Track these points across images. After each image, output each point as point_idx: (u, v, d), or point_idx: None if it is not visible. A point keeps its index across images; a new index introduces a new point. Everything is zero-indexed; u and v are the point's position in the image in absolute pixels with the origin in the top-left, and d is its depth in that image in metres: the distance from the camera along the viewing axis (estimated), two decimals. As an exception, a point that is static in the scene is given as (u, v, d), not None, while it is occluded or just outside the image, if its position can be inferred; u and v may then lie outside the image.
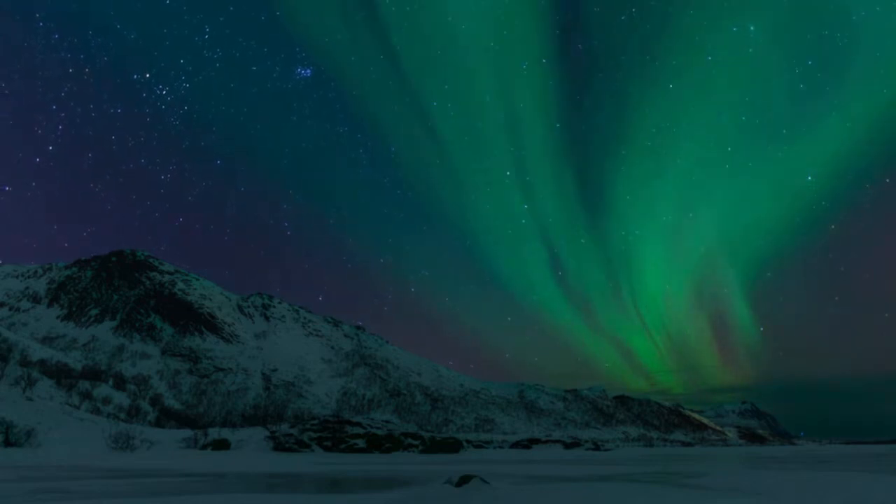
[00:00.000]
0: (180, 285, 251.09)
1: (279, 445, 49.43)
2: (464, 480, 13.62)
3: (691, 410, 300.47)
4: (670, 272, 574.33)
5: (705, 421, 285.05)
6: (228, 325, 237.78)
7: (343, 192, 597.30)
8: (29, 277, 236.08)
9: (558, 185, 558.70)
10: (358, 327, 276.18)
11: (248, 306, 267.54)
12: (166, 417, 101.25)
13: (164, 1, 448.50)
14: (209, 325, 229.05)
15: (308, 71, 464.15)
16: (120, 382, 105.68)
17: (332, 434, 53.01)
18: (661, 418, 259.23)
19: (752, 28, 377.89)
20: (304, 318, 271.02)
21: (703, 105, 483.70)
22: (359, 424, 56.17)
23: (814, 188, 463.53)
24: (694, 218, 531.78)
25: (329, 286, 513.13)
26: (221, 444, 47.14)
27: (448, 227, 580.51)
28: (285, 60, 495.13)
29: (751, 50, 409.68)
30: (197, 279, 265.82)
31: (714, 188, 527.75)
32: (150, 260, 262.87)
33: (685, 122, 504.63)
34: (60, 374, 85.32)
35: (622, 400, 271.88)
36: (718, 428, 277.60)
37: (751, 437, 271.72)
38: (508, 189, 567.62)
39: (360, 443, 52.15)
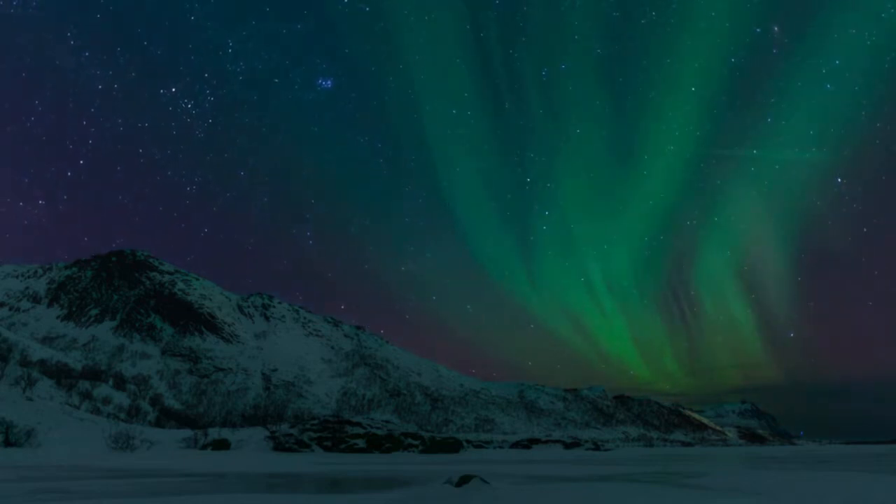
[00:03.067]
0: (180, 285, 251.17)
1: (279, 445, 49.42)
2: (464, 480, 13.62)
3: (691, 410, 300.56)
4: (692, 277, 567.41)
5: (705, 421, 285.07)
6: (228, 325, 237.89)
7: (364, 201, 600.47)
8: (29, 277, 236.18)
9: (578, 190, 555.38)
10: (358, 327, 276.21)
11: (248, 306, 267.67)
12: (166, 417, 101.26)
13: (188, 17, 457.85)
14: (209, 325, 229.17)
15: (328, 82, 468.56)
16: (120, 382, 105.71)
17: (332, 434, 52.99)
18: (661, 418, 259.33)
19: (775, 29, 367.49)
20: (304, 318, 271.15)
21: (726, 107, 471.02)
22: (359, 424, 56.15)
23: (845, 191, 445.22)
24: (718, 222, 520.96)
25: (350, 294, 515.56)
26: (221, 444, 47.12)
27: (467, 233, 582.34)
28: (306, 72, 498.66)
29: (775, 51, 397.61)
30: (197, 279, 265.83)
31: (738, 191, 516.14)
32: (150, 260, 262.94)
33: (708, 126, 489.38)
34: (60, 374, 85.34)
35: (622, 400, 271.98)
36: (718, 428, 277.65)
37: (751, 437, 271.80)
38: (528, 196, 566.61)
39: (360, 443, 52.12)
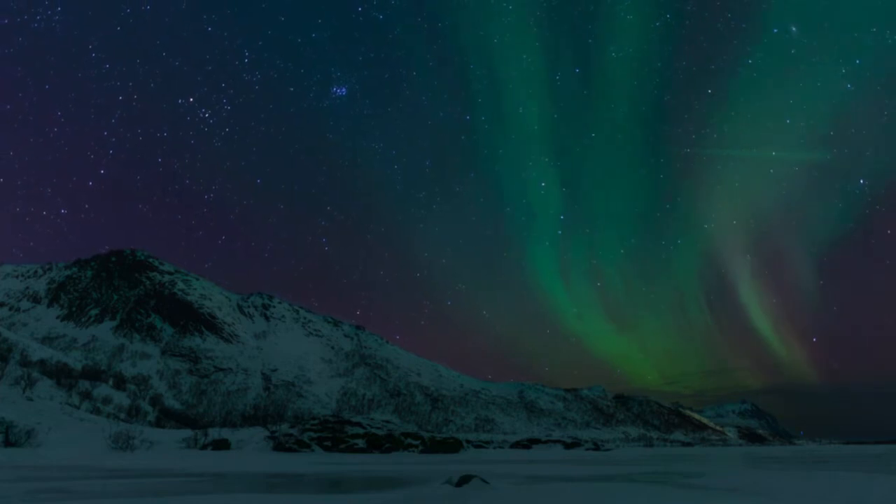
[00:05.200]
0: (180, 285, 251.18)
1: (279, 445, 49.40)
2: (464, 480, 13.62)
3: (691, 410, 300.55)
4: (710, 280, 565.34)
5: (705, 421, 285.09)
6: (228, 325, 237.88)
7: (379, 208, 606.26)
8: (29, 277, 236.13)
9: (594, 194, 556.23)
10: (358, 327, 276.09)
11: (248, 306, 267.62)
12: (166, 417, 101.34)
13: (206, 28, 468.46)
14: (209, 325, 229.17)
15: (343, 90, 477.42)
16: (120, 382, 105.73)
17: (332, 434, 52.97)
18: (661, 418, 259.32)
19: (793, 29, 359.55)
20: (304, 318, 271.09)
21: (744, 109, 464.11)
22: (359, 424, 56.10)
23: (867, 192, 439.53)
24: (737, 225, 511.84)
25: (366, 300, 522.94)
26: (221, 444, 47.09)
27: (483, 239, 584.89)
28: (321, 80, 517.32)
29: (793, 51, 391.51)
30: (197, 279, 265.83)
31: (757, 193, 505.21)
32: (150, 260, 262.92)
33: (726, 128, 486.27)
34: (60, 374, 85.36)
35: (622, 400, 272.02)
36: (718, 428, 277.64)
37: (751, 437, 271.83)
38: (543, 200, 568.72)
39: (360, 443, 52.08)
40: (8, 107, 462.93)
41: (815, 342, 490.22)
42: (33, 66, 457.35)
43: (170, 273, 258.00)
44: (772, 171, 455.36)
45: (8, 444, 38.18)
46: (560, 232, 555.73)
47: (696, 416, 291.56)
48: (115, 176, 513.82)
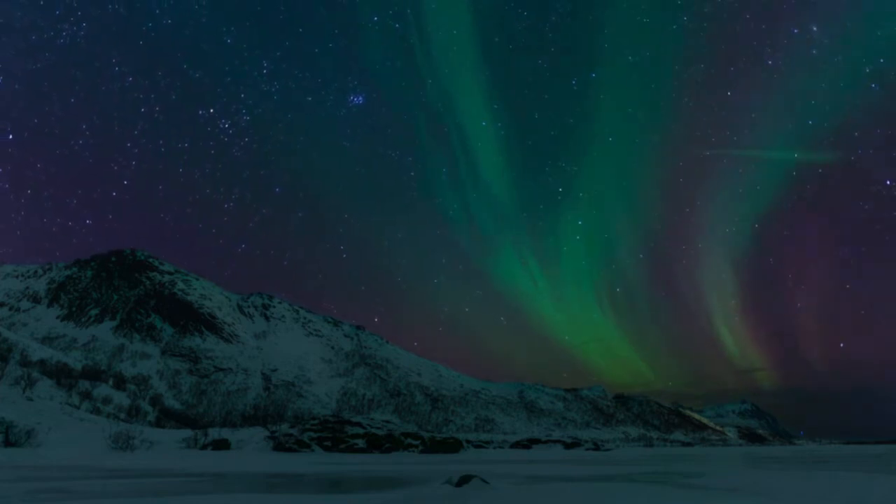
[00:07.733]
0: (180, 285, 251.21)
1: (279, 445, 49.40)
2: (464, 480, 13.62)
3: (691, 410, 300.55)
4: (729, 283, 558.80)
5: (705, 421, 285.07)
6: (228, 325, 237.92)
7: (395, 215, 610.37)
8: (29, 277, 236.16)
9: (610, 198, 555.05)
10: (358, 327, 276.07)
11: (248, 306, 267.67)
12: (166, 417, 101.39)
13: (225, 40, 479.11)
14: (209, 325, 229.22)
15: (360, 98, 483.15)
16: (120, 382, 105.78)
17: (332, 434, 52.95)
18: (661, 418, 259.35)
19: (814, 28, 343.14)
20: (304, 318, 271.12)
21: (765, 112, 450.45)
22: (359, 424, 56.08)
23: (895, 193, 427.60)
24: (759, 229, 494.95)
25: (383, 306, 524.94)
26: (221, 444, 47.09)
27: (497, 243, 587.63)
28: (338, 90, 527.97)
29: (815, 51, 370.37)
30: (197, 279, 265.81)
31: (779, 196, 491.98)
32: (150, 260, 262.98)
33: (746, 131, 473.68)
34: (60, 374, 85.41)
35: (622, 400, 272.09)
36: (718, 428, 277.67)
37: (751, 437, 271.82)
38: (560, 205, 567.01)
39: (360, 443, 52.07)
40: (35, 120, 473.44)
41: (842, 347, 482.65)
42: (59, 81, 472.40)
43: (170, 273, 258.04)
44: (795, 173, 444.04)
45: (8, 444, 38.18)
46: (578, 237, 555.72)
47: (696, 416, 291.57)
48: (139, 186, 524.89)
